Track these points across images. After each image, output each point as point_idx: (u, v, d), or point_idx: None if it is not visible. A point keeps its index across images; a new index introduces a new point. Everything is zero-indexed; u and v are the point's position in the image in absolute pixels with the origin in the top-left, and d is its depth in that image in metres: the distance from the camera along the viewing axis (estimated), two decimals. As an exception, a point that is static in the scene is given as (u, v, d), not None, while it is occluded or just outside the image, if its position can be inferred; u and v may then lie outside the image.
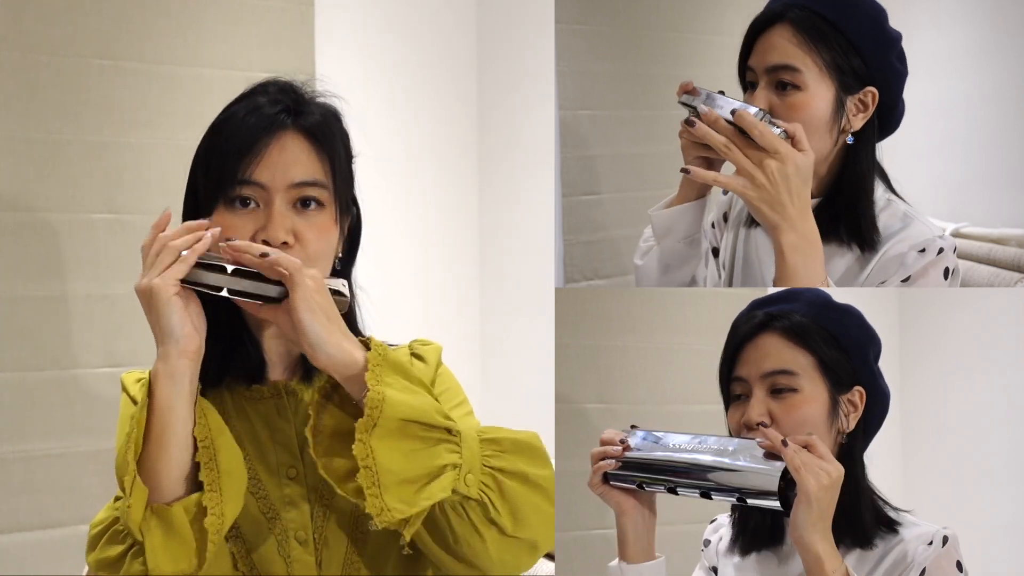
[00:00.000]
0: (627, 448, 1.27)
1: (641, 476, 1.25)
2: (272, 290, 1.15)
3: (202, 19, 2.14)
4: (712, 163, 1.39)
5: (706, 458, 1.20)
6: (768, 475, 1.15)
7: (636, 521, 1.29)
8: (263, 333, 1.27)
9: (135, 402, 1.27)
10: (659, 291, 2.19)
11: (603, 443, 1.29)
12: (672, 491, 1.24)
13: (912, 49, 1.42)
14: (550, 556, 1.94)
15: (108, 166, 2.05)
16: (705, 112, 1.33)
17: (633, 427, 1.29)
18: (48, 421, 1.99)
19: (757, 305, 1.33)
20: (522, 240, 2.49)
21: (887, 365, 1.32)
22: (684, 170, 1.37)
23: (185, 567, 1.15)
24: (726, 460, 1.19)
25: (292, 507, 1.26)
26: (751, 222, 1.53)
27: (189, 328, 1.15)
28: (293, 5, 2.24)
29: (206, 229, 1.18)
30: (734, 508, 1.37)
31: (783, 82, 1.36)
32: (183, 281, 1.15)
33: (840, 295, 1.34)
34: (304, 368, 1.29)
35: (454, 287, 2.58)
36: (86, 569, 1.57)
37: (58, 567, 1.98)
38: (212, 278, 1.16)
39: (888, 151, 1.46)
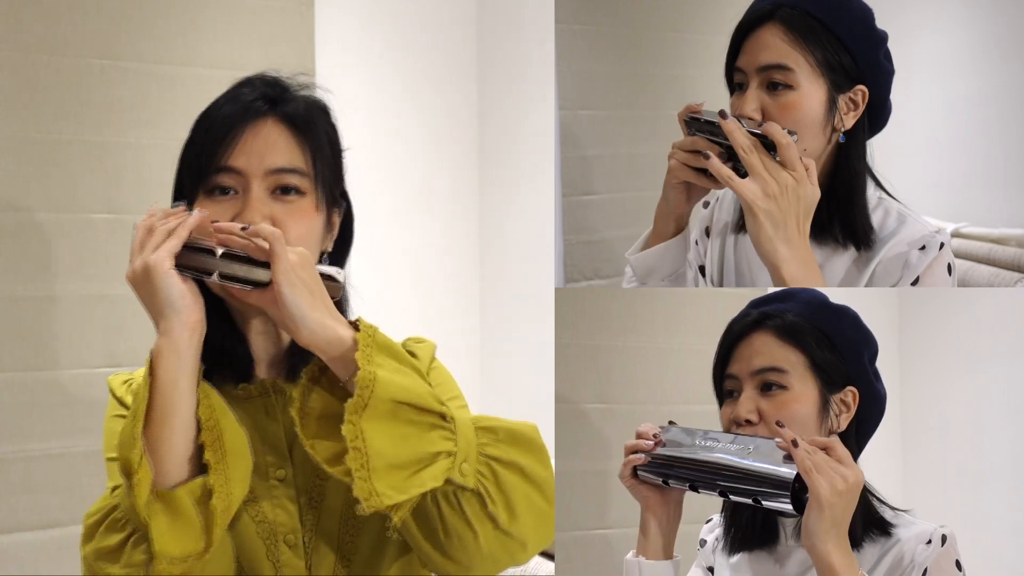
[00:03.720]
0: (659, 443, 1.26)
1: (667, 472, 1.25)
2: (262, 274, 1.13)
3: (202, 19, 2.14)
4: (693, 189, 1.39)
5: (725, 457, 1.19)
6: (782, 477, 1.13)
7: (660, 518, 1.29)
8: (250, 330, 1.25)
9: (122, 404, 1.24)
10: (659, 291, 2.19)
11: (638, 436, 1.29)
12: (693, 489, 1.23)
13: (913, 50, 1.40)
14: (550, 556, 1.94)
15: (108, 166, 2.05)
16: (729, 119, 1.30)
17: (671, 423, 1.29)
18: (48, 421, 1.99)
19: (754, 305, 1.33)
20: (522, 240, 2.49)
21: (887, 365, 1.32)
22: (704, 154, 1.32)
23: (191, 548, 1.11)
24: (744, 460, 1.17)
25: (281, 510, 1.22)
26: (738, 228, 1.50)
27: (190, 299, 1.12)
28: (293, 5, 2.24)
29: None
30: (725, 506, 1.37)
31: (775, 82, 1.34)
32: (176, 266, 1.12)
33: (839, 295, 1.33)
34: (290, 365, 1.25)
35: (454, 287, 2.58)
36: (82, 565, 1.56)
37: (58, 567, 1.98)
38: (202, 261, 1.14)
39: (888, 151, 1.45)
